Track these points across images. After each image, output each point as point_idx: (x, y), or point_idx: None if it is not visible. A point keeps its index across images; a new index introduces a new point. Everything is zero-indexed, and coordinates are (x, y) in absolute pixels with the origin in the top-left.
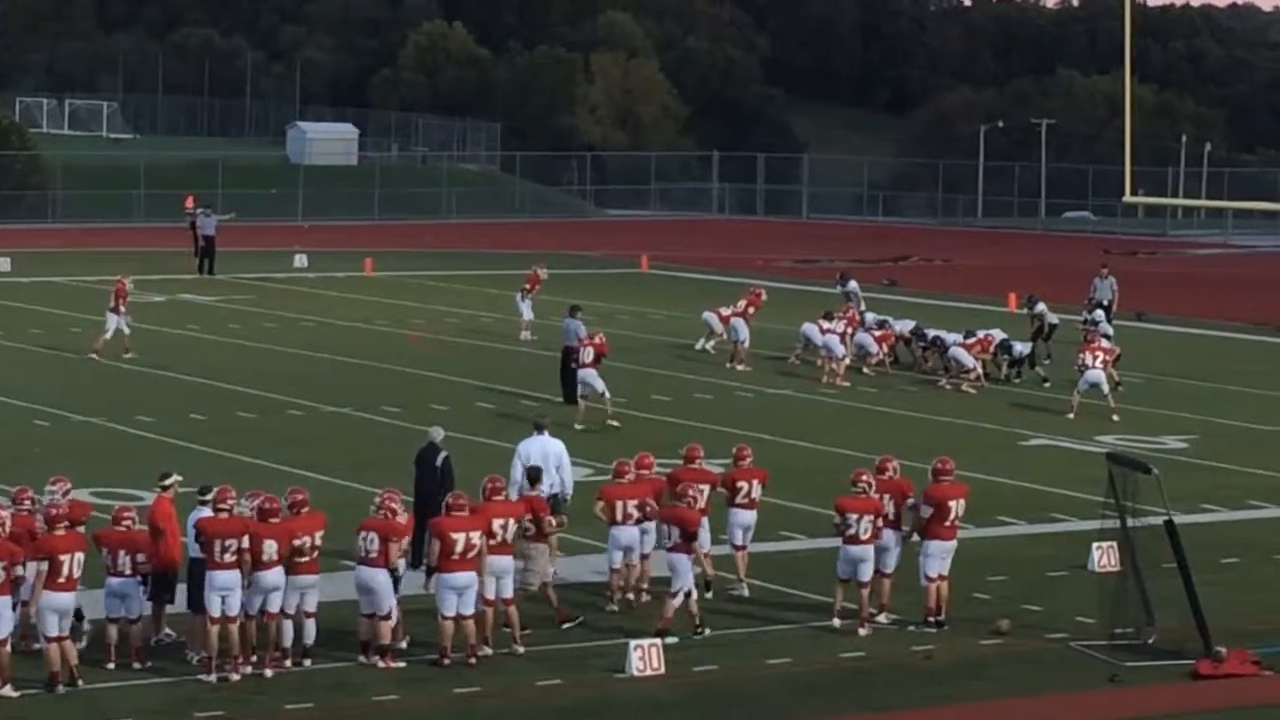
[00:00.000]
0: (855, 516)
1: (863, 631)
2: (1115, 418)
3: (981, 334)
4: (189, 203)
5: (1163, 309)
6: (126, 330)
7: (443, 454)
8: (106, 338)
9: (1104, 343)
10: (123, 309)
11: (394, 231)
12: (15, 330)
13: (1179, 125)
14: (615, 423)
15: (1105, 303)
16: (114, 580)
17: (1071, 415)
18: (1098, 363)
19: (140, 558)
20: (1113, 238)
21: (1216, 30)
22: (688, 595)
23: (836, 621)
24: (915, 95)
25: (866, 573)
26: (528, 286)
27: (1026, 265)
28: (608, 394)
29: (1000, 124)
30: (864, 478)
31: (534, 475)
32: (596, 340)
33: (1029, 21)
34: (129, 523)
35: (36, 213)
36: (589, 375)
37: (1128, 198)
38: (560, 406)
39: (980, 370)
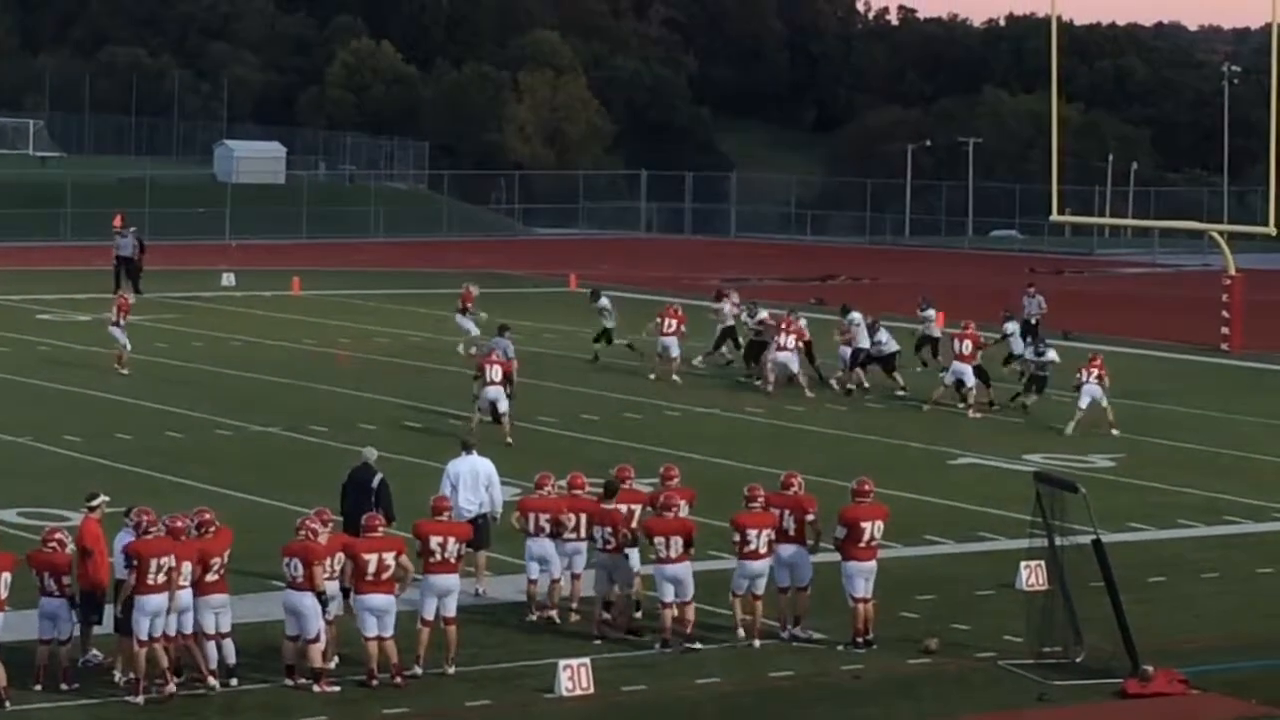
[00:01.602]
0: (754, 532)
1: (758, 644)
2: (1115, 431)
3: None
4: (117, 221)
5: (1090, 328)
6: (128, 345)
7: (378, 475)
8: (128, 350)
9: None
10: (123, 323)
11: (322, 250)
12: None
13: (1105, 144)
14: (510, 440)
15: (1033, 321)
16: (45, 601)
17: (1070, 429)
18: (1093, 378)
19: (65, 579)
20: (1040, 256)
21: (1142, 50)
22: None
23: (757, 642)
24: (842, 114)
25: (761, 587)
26: (462, 305)
27: (954, 284)
28: (507, 415)
29: (927, 143)
30: (759, 493)
31: (611, 489)
32: (504, 359)
33: (955, 40)
34: (54, 545)
35: None
36: (494, 392)
37: (1055, 217)
38: (489, 425)
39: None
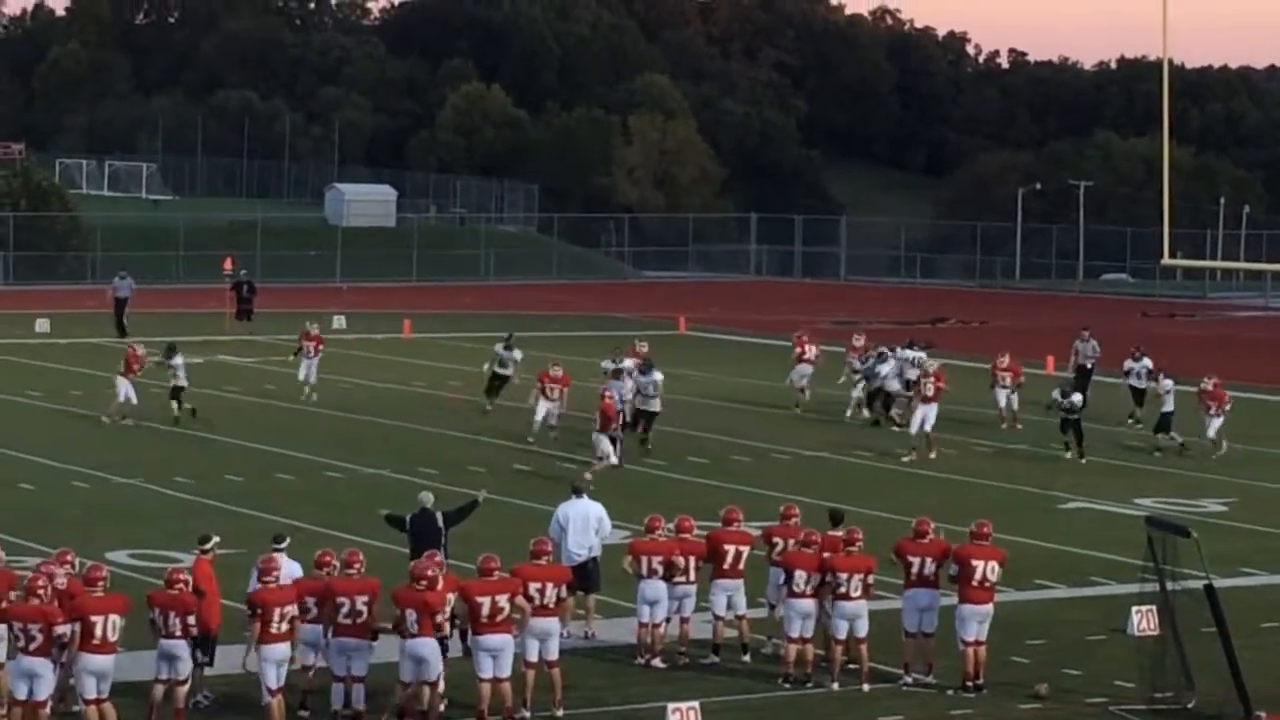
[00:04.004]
0: (845, 575)
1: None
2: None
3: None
4: (228, 264)
5: (1201, 371)
6: (133, 399)
7: (438, 515)
8: (134, 402)
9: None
10: (133, 375)
11: (432, 293)
12: (54, 392)
13: (1217, 187)
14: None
15: (1088, 365)
16: (164, 642)
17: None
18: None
19: (191, 620)
20: (1151, 300)
21: (1254, 92)
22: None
23: (865, 686)
24: (952, 157)
25: (861, 629)
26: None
27: (1064, 327)
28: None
29: (1038, 186)
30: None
31: (836, 517)
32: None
33: (1066, 83)
34: (181, 585)
35: (75, 274)
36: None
37: (1166, 260)
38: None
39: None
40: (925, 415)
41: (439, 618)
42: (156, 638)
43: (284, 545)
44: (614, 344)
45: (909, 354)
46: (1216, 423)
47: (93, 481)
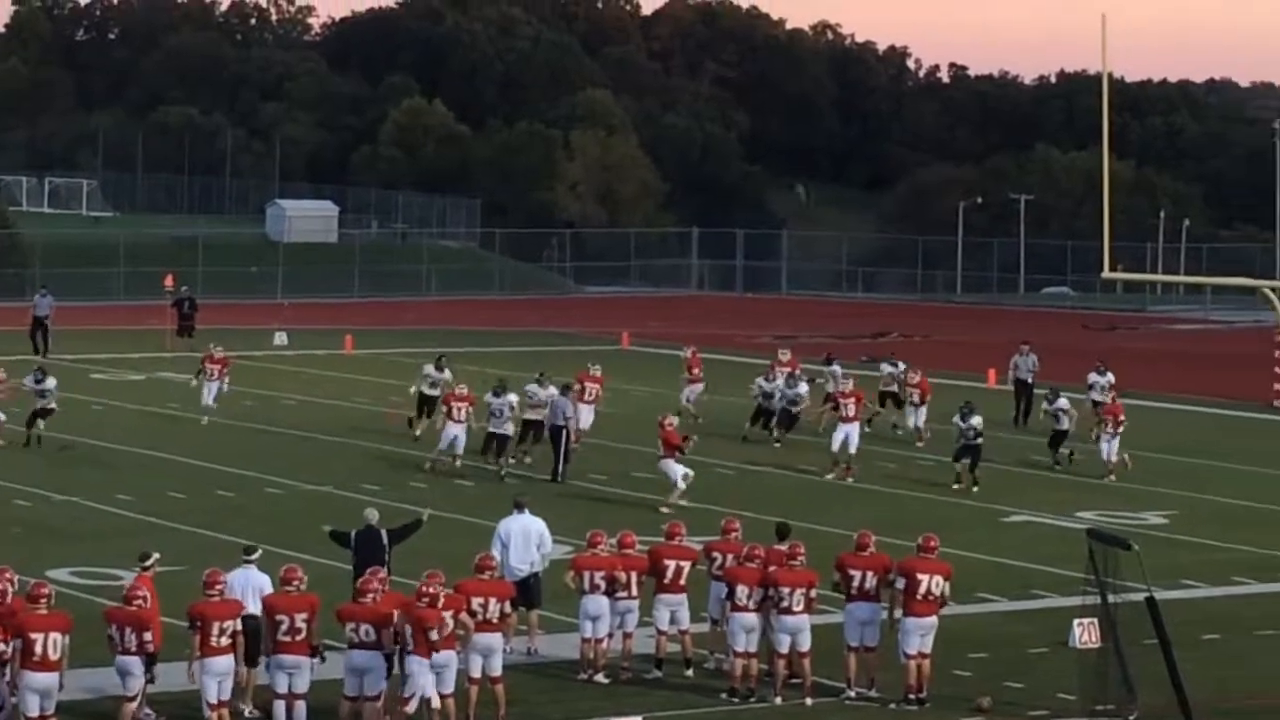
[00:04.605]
0: (787, 589)
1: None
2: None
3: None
4: (169, 281)
5: (1142, 384)
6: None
7: (383, 532)
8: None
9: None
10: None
11: (374, 309)
12: None
13: (1157, 201)
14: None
15: (1028, 380)
16: (118, 658)
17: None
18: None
19: (147, 636)
20: (1092, 313)
21: (1194, 106)
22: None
23: (809, 700)
24: (893, 171)
25: (804, 643)
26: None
27: (1006, 341)
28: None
29: (979, 200)
30: (799, 550)
31: (782, 531)
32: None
33: (1006, 97)
34: (140, 601)
35: (14, 291)
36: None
37: (1107, 273)
38: (544, 484)
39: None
40: (848, 435)
41: (434, 635)
42: (114, 654)
43: (254, 557)
44: (556, 360)
45: (836, 369)
46: (1115, 444)
47: (34, 500)
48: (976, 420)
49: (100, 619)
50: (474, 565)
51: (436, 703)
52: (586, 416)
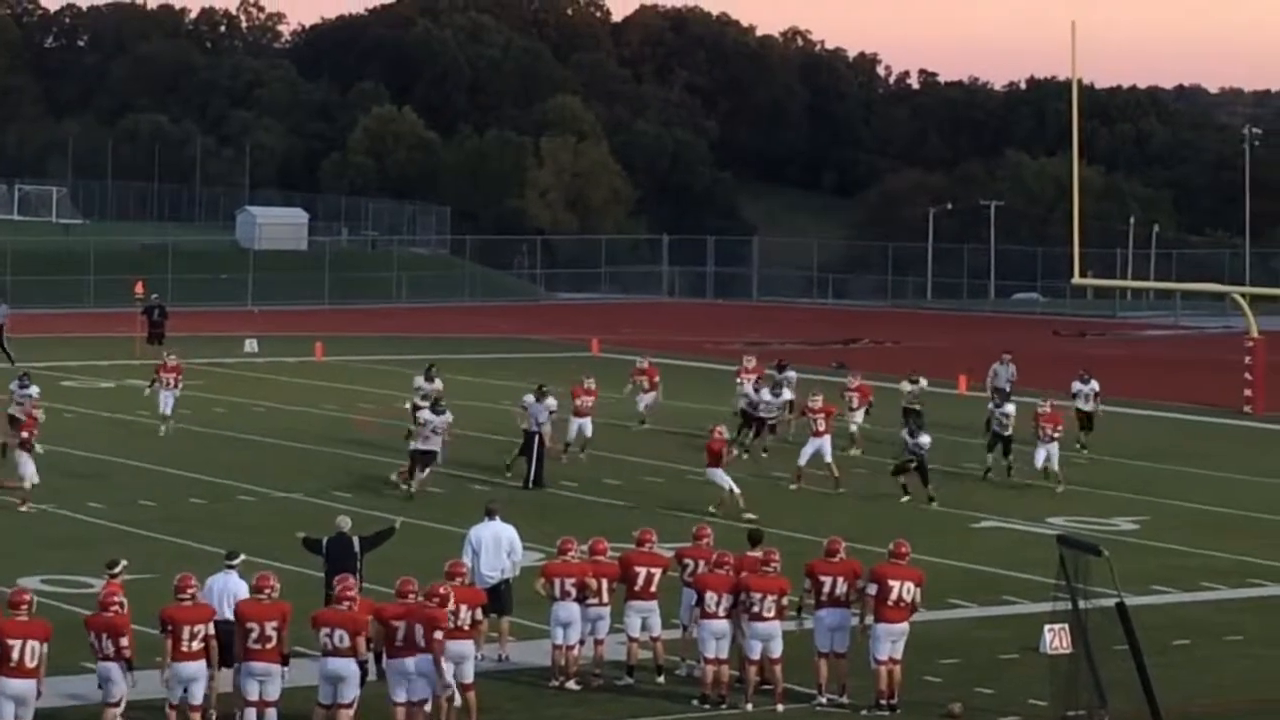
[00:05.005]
0: (759, 595)
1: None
2: (1060, 489)
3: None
4: (139, 288)
5: (1113, 390)
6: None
7: (355, 539)
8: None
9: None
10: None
11: (344, 316)
12: None
13: (1127, 207)
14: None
15: (1006, 389)
16: (99, 664)
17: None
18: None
19: (124, 642)
20: (1062, 319)
21: (1163, 112)
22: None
23: (780, 706)
24: (864, 177)
25: (775, 650)
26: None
27: (978, 347)
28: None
29: (949, 206)
30: (773, 557)
31: (755, 537)
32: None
33: (976, 104)
34: (117, 608)
35: None
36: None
37: (1077, 279)
38: (515, 490)
39: None
40: (819, 448)
41: (437, 634)
42: (98, 661)
43: (236, 563)
44: (529, 367)
45: (790, 375)
46: (1050, 449)
47: (4, 506)
48: (925, 439)
49: (71, 626)
50: (445, 572)
51: (459, 700)
52: (586, 429)
